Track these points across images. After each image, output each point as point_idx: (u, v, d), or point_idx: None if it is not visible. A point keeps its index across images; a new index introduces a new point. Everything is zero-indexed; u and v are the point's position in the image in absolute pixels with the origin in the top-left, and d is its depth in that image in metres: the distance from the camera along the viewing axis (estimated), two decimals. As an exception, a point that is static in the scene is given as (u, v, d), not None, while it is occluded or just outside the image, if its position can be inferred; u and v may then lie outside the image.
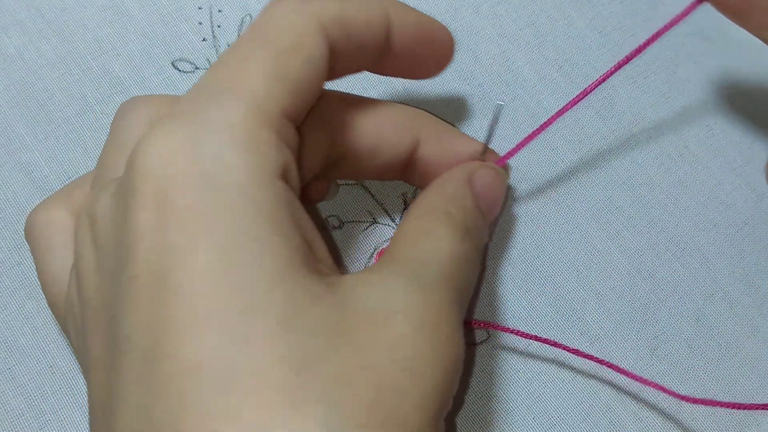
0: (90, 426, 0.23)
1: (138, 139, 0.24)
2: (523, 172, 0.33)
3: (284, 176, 0.22)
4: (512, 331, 0.29)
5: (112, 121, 0.26)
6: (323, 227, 0.32)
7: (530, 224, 0.33)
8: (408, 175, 0.29)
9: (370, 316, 0.21)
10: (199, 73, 0.34)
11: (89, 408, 0.23)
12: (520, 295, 0.32)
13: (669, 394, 0.27)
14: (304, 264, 0.21)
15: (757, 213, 0.34)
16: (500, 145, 0.34)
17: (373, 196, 0.32)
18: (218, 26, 0.34)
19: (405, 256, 0.24)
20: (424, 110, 0.29)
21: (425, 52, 0.28)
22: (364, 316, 0.21)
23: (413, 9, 0.27)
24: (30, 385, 0.29)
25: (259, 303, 0.19)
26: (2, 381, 0.29)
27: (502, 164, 0.30)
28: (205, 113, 0.21)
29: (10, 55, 0.33)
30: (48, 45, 0.33)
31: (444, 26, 0.28)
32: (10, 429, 0.29)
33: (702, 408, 0.30)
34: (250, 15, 0.35)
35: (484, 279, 0.32)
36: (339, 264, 0.31)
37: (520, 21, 0.35)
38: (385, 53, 0.26)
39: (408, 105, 0.33)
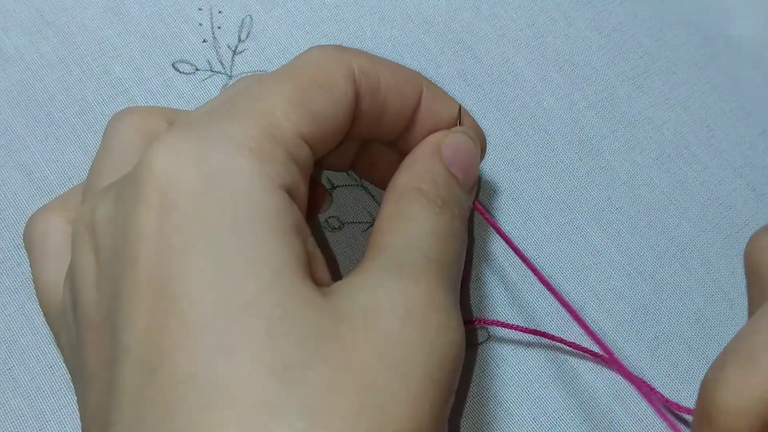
0: None
1: (132, 147, 0.24)
2: (523, 172, 0.33)
3: (289, 191, 0.22)
4: (511, 327, 0.30)
5: (104, 131, 0.26)
6: (323, 245, 0.31)
7: (530, 224, 0.33)
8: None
9: (360, 316, 0.20)
10: (200, 74, 0.34)
11: (82, 424, 0.22)
12: (520, 296, 0.32)
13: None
14: (301, 269, 0.20)
15: (757, 214, 0.34)
16: (501, 147, 0.34)
17: (372, 197, 0.32)
18: (218, 27, 0.34)
19: (385, 245, 0.23)
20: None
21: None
22: (354, 318, 0.20)
23: (449, 98, 0.28)
24: (30, 386, 0.29)
25: (246, 308, 0.19)
26: (2, 381, 0.29)
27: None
28: (216, 126, 0.21)
29: (10, 55, 0.33)
30: (48, 46, 0.33)
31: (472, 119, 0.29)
32: (10, 429, 0.29)
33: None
34: (251, 16, 0.35)
35: (485, 280, 0.32)
36: (336, 276, 0.31)
37: (520, 21, 0.35)
38: (409, 128, 0.27)
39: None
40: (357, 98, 0.24)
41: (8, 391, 0.29)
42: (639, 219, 0.33)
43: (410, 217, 0.24)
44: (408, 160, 0.27)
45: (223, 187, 0.20)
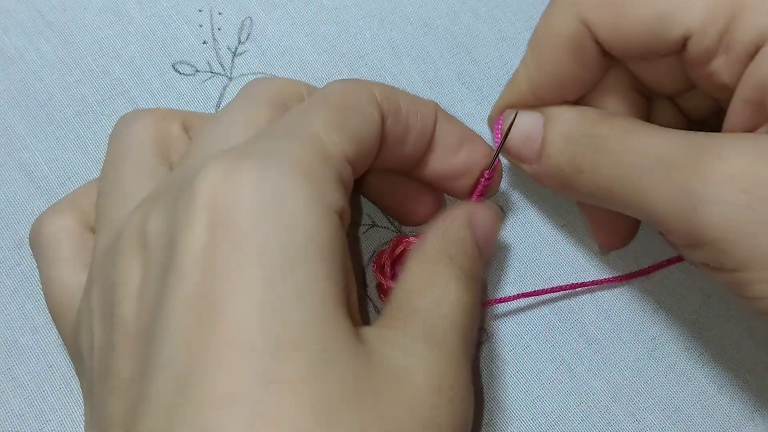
0: None
1: (151, 152, 0.25)
2: (522, 174, 0.33)
3: (339, 214, 0.22)
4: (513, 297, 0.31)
5: (115, 133, 0.26)
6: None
7: (528, 226, 0.33)
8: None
9: (393, 373, 0.21)
10: (200, 75, 0.34)
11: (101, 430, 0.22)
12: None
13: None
14: (342, 306, 0.21)
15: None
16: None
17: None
18: (218, 29, 0.34)
19: (415, 306, 0.24)
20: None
21: (462, 164, 0.29)
22: (387, 373, 0.21)
23: (459, 122, 0.29)
24: (30, 385, 0.29)
25: (293, 342, 0.19)
26: (2, 381, 0.29)
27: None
28: (270, 149, 0.22)
29: (10, 55, 0.33)
30: (48, 46, 0.33)
31: (487, 146, 0.30)
32: (10, 429, 0.28)
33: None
34: (251, 18, 0.35)
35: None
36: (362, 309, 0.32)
37: (518, 24, 0.36)
38: (427, 153, 0.28)
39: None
40: (382, 119, 0.25)
41: (8, 390, 0.29)
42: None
43: (442, 284, 0.25)
44: (440, 223, 0.27)
45: (279, 211, 0.20)
